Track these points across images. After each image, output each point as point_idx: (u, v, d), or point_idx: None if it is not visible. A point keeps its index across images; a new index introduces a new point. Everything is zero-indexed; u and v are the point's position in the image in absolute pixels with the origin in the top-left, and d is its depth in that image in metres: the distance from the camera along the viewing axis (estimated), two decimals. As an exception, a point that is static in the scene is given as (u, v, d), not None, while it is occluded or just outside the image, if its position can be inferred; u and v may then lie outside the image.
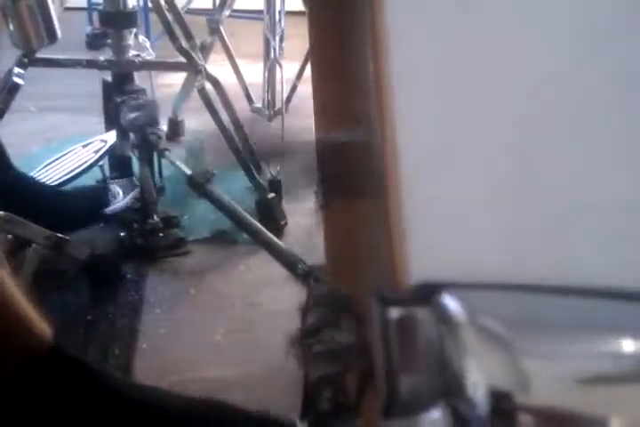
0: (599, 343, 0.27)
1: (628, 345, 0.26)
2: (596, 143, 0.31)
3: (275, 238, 1.29)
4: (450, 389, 0.26)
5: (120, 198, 1.46)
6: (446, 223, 0.31)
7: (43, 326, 0.69)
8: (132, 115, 1.42)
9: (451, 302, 0.28)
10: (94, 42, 2.75)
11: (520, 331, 0.26)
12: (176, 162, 1.40)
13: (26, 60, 1.53)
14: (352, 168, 0.73)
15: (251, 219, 1.30)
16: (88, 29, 2.87)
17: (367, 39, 0.35)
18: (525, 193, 0.30)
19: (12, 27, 1.07)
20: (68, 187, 1.57)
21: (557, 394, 0.25)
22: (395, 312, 0.29)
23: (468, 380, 0.25)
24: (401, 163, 0.30)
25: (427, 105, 0.32)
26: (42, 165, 1.65)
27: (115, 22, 1.60)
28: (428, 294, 0.29)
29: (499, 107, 0.32)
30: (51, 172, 1.62)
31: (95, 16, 2.90)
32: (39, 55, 1.56)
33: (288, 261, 1.23)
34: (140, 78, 1.69)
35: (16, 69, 1.52)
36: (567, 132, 0.32)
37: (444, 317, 0.27)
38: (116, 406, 0.70)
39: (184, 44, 1.66)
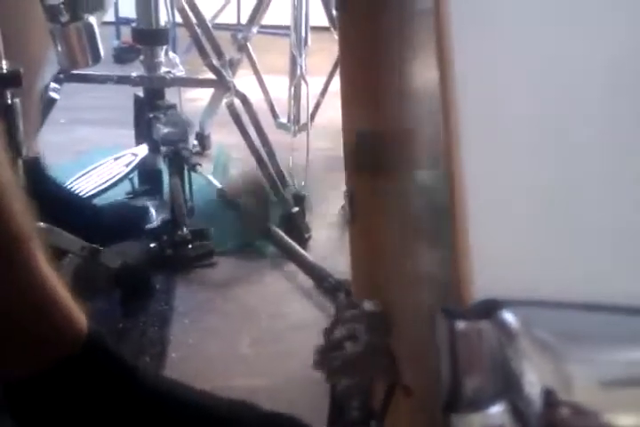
0: (628, 353, 0.32)
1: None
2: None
3: (303, 251, 1.33)
4: (509, 389, 0.30)
5: (153, 218, 1.51)
6: (507, 245, 0.35)
7: (79, 312, 0.70)
8: (166, 130, 1.46)
9: (510, 317, 0.33)
10: (122, 56, 2.80)
11: (566, 341, 0.32)
12: (207, 176, 1.44)
13: (62, 75, 1.59)
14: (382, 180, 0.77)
15: (280, 232, 1.34)
16: (116, 43, 2.92)
17: (430, 52, 0.39)
18: (580, 219, 0.35)
19: (59, 48, 1.12)
20: (107, 202, 1.61)
21: (592, 393, 0.30)
22: (461, 325, 0.34)
23: (526, 381, 0.30)
24: (466, 185, 0.35)
25: (490, 125, 0.36)
26: (74, 177, 1.69)
27: (148, 39, 1.65)
28: (489, 309, 0.34)
29: (548, 119, 0.36)
30: (83, 183, 1.67)
31: (123, 30, 2.96)
32: (74, 71, 1.62)
33: (316, 275, 1.26)
34: (167, 93, 1.73)
35: (52, 85, 1.58)
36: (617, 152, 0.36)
37: (504, 329, 0.32)
38: (154, 402, 0.72)
39: (214, 61, 1.70)
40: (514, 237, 0.35)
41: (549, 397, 0.28)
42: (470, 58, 0.38)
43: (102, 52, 1.17)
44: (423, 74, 0.49)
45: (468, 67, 0.38)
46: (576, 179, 0.36)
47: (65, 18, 1.08)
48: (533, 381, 0.29)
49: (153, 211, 1.52)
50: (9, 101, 1.03)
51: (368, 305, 0.75)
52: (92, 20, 1.12)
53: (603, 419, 0.28)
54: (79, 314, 0.70)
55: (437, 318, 0.34)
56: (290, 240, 1.31)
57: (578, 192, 0.35)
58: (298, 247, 1.31)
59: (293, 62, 1.97)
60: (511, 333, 0.31)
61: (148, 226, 1.48)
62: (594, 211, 0.35)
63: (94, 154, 1.96)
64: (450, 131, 0.37)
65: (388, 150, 0.75)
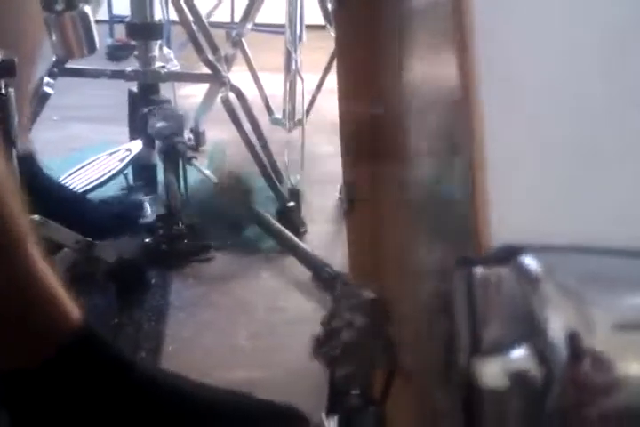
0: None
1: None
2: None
3: (301, 243, 1.32)
4: (532, 334, 0.30)
5: (148, 212, 1.50)
6: (525, 192, 0.35)
7: (73, 307, 0.69)
8: (160, 124, 1.45)
9: (530, 262, 0.33)
10: (115, 53, 2.79)
11: (588, 286, 0.31)
12: (203, 170, 1.43)
13: (56, 70, 1.58)
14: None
15: (277, 224, 1.34)
16: (109, 41, 2.92)
17: (452, 39, 0.39)
18: (595, 165, 0.35)
19: (54, 37, 1.11)
20: (102, 197, 1.61)
21: (616, 337, 0.30)
22: (479, 271, 0.33)
23: (549, 326, 0.30)
24: (485, 135, 0.34)
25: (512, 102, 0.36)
26: (69, 172, 1.68)
27: (142, 34, 1.64)
28: (509, 255, 0.33)
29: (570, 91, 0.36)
30: (77, 179, 1.66)
31: (116, 28, 2.96)
32: (68, 66, 1.61)
33: (314, 265, 1.26)
34: (161, 90, 1.72)
35: (46, 79, 1.57)
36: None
37: (524, 274, 0.32)
38: (149, 391, 0.71)
39: (209, 56, 1.70)
40: (532, 185, 0.35)
41: (574, 343, 0.28)
42: (491, 45, 0.38)
43: (97, 43, 1.16)
44: (435, 63, 0.49)
45: (488, 53, 0.38)
46: (596, 124, 0.35)
47: (60, 6, 1.07)
48: (557, 326, 0.29)
49: (147, 206, 1.51)
50: (3, 91, 1.02)
51: (366, 292, 0.75)
52: (88, 9, 1.11)
53: (623, 365, 0.28)
54: (73, 308, 0.69)
55: (455, 268, 0.34)
56: (287, 231, 1.31)
57: (598, 137, 0.35)
58: (295, 238, 1.31)
59: (288, 58, 1.96)
60: (533, 278, 0.31)
61: (143, 221, 1.47)
62: (613, 156, 0.35)
63: (87, 151, 1.95)
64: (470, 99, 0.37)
65: (387, 139, 0.75)
